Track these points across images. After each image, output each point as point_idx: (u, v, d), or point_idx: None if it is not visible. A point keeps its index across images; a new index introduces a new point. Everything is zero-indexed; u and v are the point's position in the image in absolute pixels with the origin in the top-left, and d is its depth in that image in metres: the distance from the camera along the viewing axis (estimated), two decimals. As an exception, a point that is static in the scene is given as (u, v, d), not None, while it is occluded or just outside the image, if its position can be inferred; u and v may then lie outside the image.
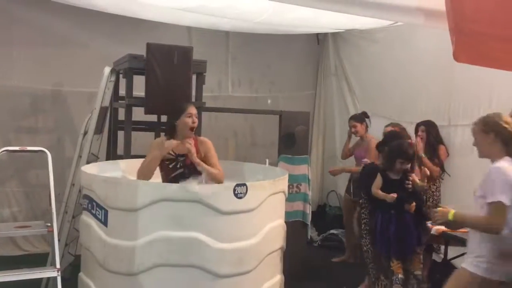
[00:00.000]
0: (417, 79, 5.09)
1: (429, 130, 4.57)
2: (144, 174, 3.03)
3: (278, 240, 3.15)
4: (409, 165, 3.56)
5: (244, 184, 2.82)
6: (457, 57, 1.95)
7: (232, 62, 5.88)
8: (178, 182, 2.98)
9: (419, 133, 4.57)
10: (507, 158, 2.52)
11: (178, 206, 2.73)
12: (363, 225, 4.06)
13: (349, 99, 6.09)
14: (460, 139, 4.67)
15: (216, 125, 5.62)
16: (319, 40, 6.43)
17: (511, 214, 2.43)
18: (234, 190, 2.78)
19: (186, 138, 3.15)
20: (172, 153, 3.15)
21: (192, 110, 3.21)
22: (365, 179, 3.90)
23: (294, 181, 4.73)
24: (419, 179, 3.57)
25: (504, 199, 2.38)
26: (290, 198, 4.71)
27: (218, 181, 3.12)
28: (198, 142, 3.25)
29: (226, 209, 2.77)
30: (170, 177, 3.13)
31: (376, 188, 3.60)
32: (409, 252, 3.52)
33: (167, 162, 3.14)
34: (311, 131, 6.31)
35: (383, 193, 3.53)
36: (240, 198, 2.80)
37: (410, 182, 3.52)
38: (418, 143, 4.52)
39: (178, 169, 3.12)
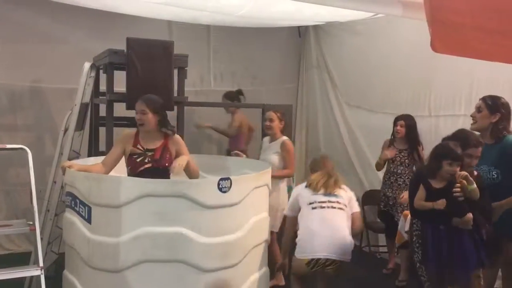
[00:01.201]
0: (398, 70, 5.13)
1: (408, 124, 4.60)
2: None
3: (263, 233, 3.16)
4: (458, 168, 2.89)
5: (228, 178, 2.82)
6: (434, 47, 1.98)
7: (214, 56, 5.86)
8: (145, 177, 2.89)
9: (398, 127, 4.60)
10: None
11: (162, 202, 2.72)
12: (414, 237, 3.15)
13: (331, 92, 6.11)
14: (441, 129, 4.73)
15: (199, 119, 5.61)
16: (301, 33, 6.44)
17: None
18: (219, 184, 2.78)
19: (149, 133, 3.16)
20: (140, 147, 3.13)
21: (138, 106, 3.13)
22: (412, 189, 3.16)
23: (278, 173, 4.75)
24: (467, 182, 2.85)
25: None
26: (274, 191, 4.75)
27: (196, 177, 3.12)
28: (169, 141, 3.18)
29: (211, 203, 2.76)
30: (137, 171, 3.08)
31: (420, 200, 2.99)
32: (463, 277, 2.93)
33: (135, 157, 3.11)
34: (294, 123, 6.33)
35: (429, 203, 2.91)
36: (225, 192, 2.80)
37: (458, 189, 2.85)
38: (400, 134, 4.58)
39: (145, 163, 3.08)
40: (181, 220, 2.72)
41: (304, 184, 3.53)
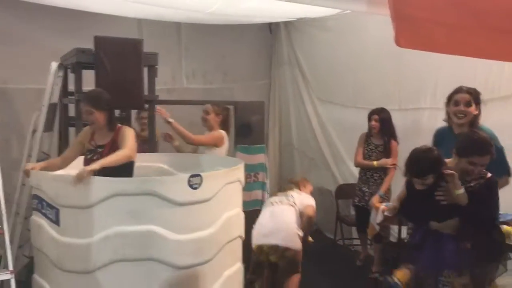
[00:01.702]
0: (368, 65, 5.20)
1: (383, 118, 4.63)
2: None
3: (236, 229, 3.17)
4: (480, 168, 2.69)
5: (199, 175, 2.81)
6: (398, 42, 2.01)
7: (185, 54, 5.84)
8: (95, 175, 2.77)
9: (373, 122, 4.64)
10: None
11: (133, 200, 2.70)
12: (408, 236, 3.27)
13: (303, 87, 6.16)
14: (409, 123, 4.82)
15: (172, 118, 5.56)
16: (272, 30, 6.47)
17: None
18: (189, 181, 2.78)
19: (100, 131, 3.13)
20: (94, 143, 3.12)
21: (83, 107, 3.11)
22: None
23: (251, 170, 4.77)
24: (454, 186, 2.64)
25: None
26: (248, 188, 4.76)
27: (121, 160, 2.90)
28: (118, 136, 3.11)
29: (182, 201, 2.76)
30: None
31: (397, 200, 3.01)
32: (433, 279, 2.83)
33: (87, 153, 3.11)
34: (267, 120, 6.35)
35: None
36: (195, 188, 2.79)
37: (440, 193, 2.68)
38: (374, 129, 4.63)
39: (94, 161, 3.05)
40: (152, 218, 2.71)
41: None
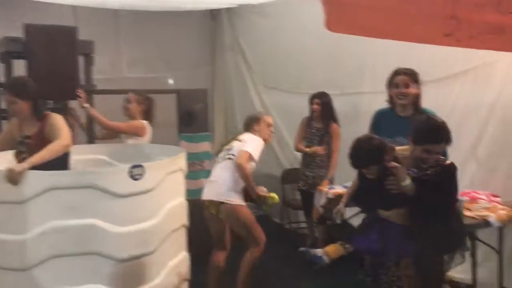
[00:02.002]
0: (309, 50, 5.27)
1: (324, 102, 4.73)
2: None
3: (180, 218, 3.15)
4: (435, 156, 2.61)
5: (140, 165, 2.76)
6: (329, 26, 2.05)
7: (125, 42, 5.69)
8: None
9: (314, 106, 4.73)
10: None
11: (71, 194, 2.61)
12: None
13: (246, 74, 6.17)
14: (351, 106, 4.94)
15: (113, 108, 5.42)
16: (213, 16, 6.41)
17: None
18: (130, 172, 2.72)
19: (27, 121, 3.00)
20: (21, 134, 3.02)
21: (7, 97, 2.98)
22: None
23: (196, 158, 4.76)
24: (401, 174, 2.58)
25: None
26: (194, 176, 4.74)
27: (57, 153, 2.78)
28: (46, 125, 3.00)
29: (123, 192, 2.70)
30: (19, 159, 2.94)
31: (352, 188, 3.07)
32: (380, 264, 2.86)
33: (16, 145, 3.01)
34: (212, 108, 6.33)
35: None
36: (137, 179, 2.74)
37: (390, 182, 2.63)
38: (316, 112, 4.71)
39: (23, 153, 2.94)
40: (92, 211, 2.64)
41: None
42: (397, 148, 2.74)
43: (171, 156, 3.16)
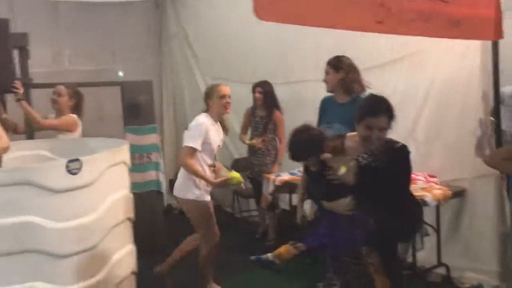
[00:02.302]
0: (254, 40, 5.30)
1: (266, 90, 4.80)
2: None
3: (124, 211, 3.11)
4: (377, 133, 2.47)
5: (78, 159, 2.70)
6: (258, 15, 2.07)
7: (66, 34, 5.52)
8: None
9: (257, 94, 4.79)
10: None
11: (6, 191, 2.53)
12: None
13: (193, 65, 6.14)
14: (295, 95, 5.02)
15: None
16: (158, 5, 6.31)
17: None
18: (67, 166, 2.66)
19: None
20: None
21: None
22: None
23: (144, 151, 4.71)
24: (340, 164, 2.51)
25: None
26: (141, 169, 4.71)
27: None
28: None
29: (60, 187, 2.64)
30: None
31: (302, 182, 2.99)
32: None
33: None
34: (160, 99, 6.27)
35: None
36: (75, 174, 2.68)
37: (330, 172, 2.55)
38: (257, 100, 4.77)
39: None
40: (29, 208, 2.56)
41: None
42: (348, 135, 2.68)
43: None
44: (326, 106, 3.64)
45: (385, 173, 2.43)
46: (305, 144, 2.60)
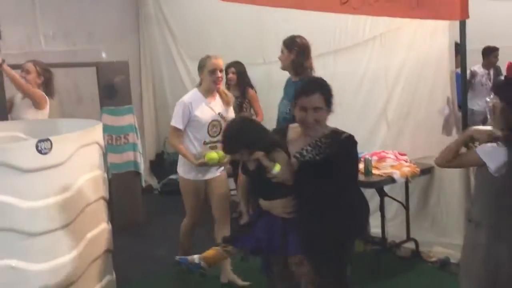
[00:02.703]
0: (232, 21, 5.29)
1: (239, 71, 4.84)
2: None
3: (97, 191, 3.15)
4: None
5: (48, 139, 2.73)
6: (220, -5, 2.10)
7: (41, 13, 5.45)
8: None
9: (230, 75, 4.83)
10: None
11: (-25, 171, 2.56)
12: None
13: (172, 45, 6.12)
14: (273, 75, 5.04)
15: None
16: (135, -15, 6.26)
17: None
18: (37, 146, 2.69)
19: None
20: None
21: None
22: None
23: (120, 132, 4.74)
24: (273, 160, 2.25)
25: None
26: (118, 150, 4.74)
27: None
28: None
29: (31, 167, 2.67)
30: None
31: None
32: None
33: None
34: (139, 79, 6.26)
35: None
36: (45, 153, 2.71)
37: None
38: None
39: None
40: (0, 188, 2.60)
41: None
42: (291, 126, 2.48)
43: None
44: (286, 84, 3.73)
45: (330, 167, 2.23)
46: (235, 136, 2.34)
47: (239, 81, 4.78)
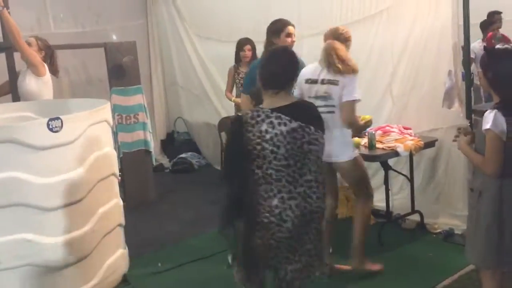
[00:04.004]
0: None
1: (253, 47, 4.89)
2: None
3: (108, 167, 3.26)
4: None
5: (58, 118, 2.83)
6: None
7: (51, -4, 5.52)
8: None
9: (246, 52, 4.87)
10: None
11: (-11, 149, 2.67)
12: None
13: (180, 25, 6.16)
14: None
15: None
16: (143, -35, 6.28)
17: None
18: (48, 124, 2.79)
19: None
20: None
21: None
22: None
23: (130, 111, 4.83)
24: None
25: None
26: (129, 129, 4.84)
27: None
28: None
29: (43, 145, 2.78)
30: None
31: None
32: None
33: None
34: (148, 60, 6.32)
35: None
36: (56, 132, 2.82)
37: None
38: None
39: None
40: (14, 165, 2.71)
41: None
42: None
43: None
44: None
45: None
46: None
47: (253, 57, 4.83)
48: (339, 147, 3.04)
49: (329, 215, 2.92)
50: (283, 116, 2.10)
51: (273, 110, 2.13)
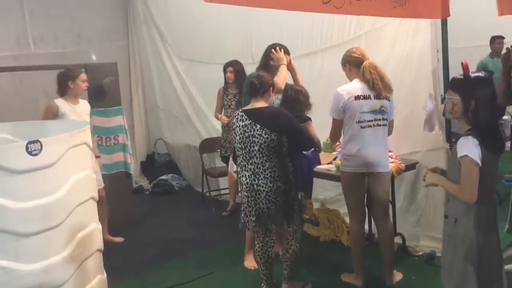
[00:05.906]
0: (221, 22, 5.35)
1: (237, 69, 4.93)
2: None
3: (87, 191, 3.18)
4: None
5: (37, 141, 2.77)
6: (204, -2, 2.15)
7: (30, 16, 5.48)
8: None
9: (228, 74, 4.92)
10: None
11: (-36, 173, 2.59)
12: None
13: (161, 46, 6.17)
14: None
15: (22, 86, 5.27)
16: (123, -13, 6.30)
17: None
18: (27, 147, 2.72)
19: None
20: None
21: None
22: None
23: (111, 133, 4.77)
24: None
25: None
26: (109, 151, 4.78)
27: None
28: None
29: (21, 168, 2.69)
30: None
31: None
32: None
33: None
34: (128, 81, 6.30)
35: None
36: (35, 155, 2.75)
37: None
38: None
39: None
40: (-10, 189, 2.63)
41: None
42: None
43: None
44: None
45: None
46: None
47: (237, 79, 4.86)
48: (387, 158, 3.43)
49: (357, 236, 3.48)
50: (244, 115, 3.13)
51: (243, 111, 3.18)
